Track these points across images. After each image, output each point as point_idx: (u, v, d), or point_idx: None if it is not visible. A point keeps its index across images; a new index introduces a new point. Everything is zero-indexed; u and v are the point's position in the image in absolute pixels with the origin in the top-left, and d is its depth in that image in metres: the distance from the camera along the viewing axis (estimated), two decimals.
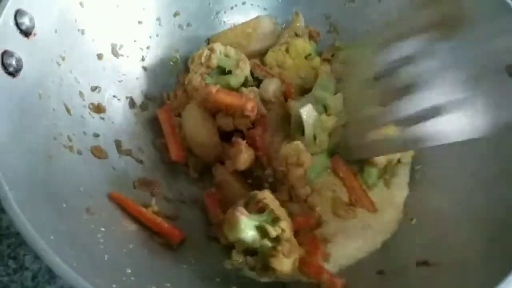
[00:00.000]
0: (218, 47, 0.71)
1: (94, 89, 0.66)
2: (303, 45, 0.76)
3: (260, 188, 0.61)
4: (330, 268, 0.59)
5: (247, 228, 0.54)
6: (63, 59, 0.61)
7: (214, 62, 0.70)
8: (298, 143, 0.63)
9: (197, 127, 0.66)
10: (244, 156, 0.63)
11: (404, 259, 0.57)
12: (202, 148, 0.67)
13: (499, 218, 0.53)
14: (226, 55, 0.72)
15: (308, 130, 0.67)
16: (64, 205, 0.50)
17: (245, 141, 0.64)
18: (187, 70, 0.76)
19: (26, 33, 0.54)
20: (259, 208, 0.57)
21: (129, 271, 0.49)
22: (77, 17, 0.64)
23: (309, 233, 0.62)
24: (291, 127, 0.69)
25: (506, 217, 0.53)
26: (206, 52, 0.71)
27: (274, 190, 0.63)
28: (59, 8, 0.60)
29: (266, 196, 0.57)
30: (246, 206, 0.58)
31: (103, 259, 0.48)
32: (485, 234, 0.53)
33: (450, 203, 0.60)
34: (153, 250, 0.57)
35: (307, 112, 0.66)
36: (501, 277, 0.45)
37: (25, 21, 0.54)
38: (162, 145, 0.70)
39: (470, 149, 0.63)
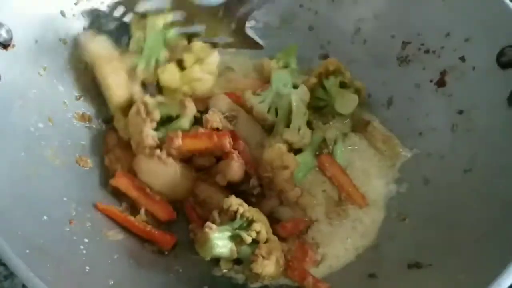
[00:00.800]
0: (149, 100, 0.63)
1: (78, 98, 0.65)
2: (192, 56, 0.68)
3: (248, 201, 0.59)
4: (319, 271, 0.58)
5: (221, 242, 0.53)
6: (45, 69, 0.60)
7: (157, 114, 0.62)
8: (280, 145, 0.62)
9: (174, 184, 0.62)
10: (236, 165, 0.60)
11: (396, 260, 0.55)
12: (185, 193, 0.63)
13: (493, 217, 0.51)
14: (161, 103, 0.65)
15: (297, 118, 0.66)
16: (45, 218, 0.50)
17: (237, 151, 0.62)
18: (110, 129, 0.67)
19: (4, 45, 0.54)
20: (230, 216, 0.55)
21: (112, 282, 0.48)
22: (58, 27, 0.63)
23: (298, 239, 0.61)
24: (278, 119, 0.68)
25: (500, 216, 0.51)
26: (142, 108, 0.62)
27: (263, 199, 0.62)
28: (39, 19, 0.60)
29: (232, 202, 0.55)
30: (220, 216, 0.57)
31: (83, 271, 0.47)
32: (477, 234, 0.51)
33: (443, 202, 0.58)
34: (139, 260, 0.56)
35: (295, 100, 0.66)
36: (493, 278, 0.43)
37: (2, 33, 0.54)
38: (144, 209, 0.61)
39: (463, 144, 0.61)
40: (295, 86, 0.69)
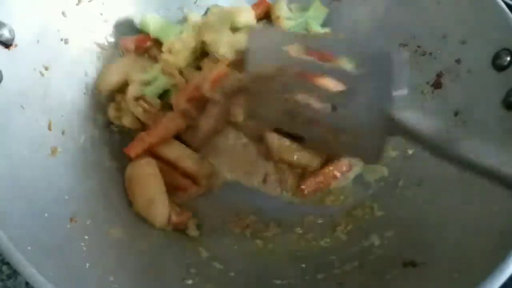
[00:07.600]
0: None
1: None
2: None
3: None
4: None
5: None
6: (47, 69, 0.61)
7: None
8: None
9: None
10: None
11: (391, 259, 0.56)
12: None
13: (488, 214, 0.52)
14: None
15: None
16: (46, 215, 0.50)
17: None
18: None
19: (6, 44, 0.55)
20: None
21: (112, 278, 0.49)
22: (59, 27, 0.64)
23: None
24: None
25: (495, 213, 0.51)
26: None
27: None
28: (40, 19, 0.61)
29: None
30: None
31: (84, 268, 0.48)
32: (472, 232, 0.52)
33: (437, 201, 0.59)
34: (139, 257, 0.56)
35: None
36: (485, 276, 0.44)
37: (5, 33, 0.54)
38: None
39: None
40: None
